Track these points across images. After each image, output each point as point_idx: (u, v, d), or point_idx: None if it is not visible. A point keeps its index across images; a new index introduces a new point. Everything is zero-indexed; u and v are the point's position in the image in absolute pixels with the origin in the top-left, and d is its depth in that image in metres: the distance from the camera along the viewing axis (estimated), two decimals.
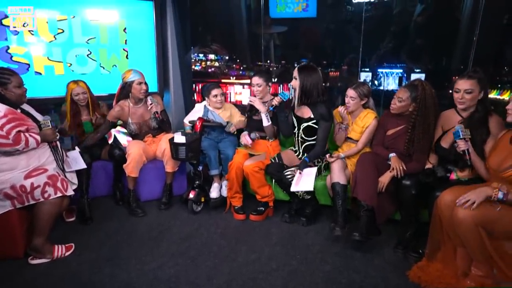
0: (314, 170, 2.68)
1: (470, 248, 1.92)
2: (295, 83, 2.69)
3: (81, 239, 2.60)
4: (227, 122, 3.11)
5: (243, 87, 5.14)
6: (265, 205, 2.95)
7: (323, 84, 2.73)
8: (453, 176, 2.36)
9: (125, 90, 3.03)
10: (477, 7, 3.50)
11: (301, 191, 2.72)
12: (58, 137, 2.48)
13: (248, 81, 5.18)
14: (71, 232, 2.69)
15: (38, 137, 2.32)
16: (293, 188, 2.61)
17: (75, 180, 2.60)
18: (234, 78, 5.32)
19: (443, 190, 2.12)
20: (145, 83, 3.05)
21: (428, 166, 2.47)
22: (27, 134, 2.26)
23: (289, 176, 2.69)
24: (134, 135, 3.18)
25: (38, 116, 2.47)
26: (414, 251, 2.37)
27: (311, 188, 2.57)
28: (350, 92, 2.77)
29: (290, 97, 2.82)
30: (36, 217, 2.29)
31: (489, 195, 1.88)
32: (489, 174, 2.11)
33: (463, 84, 2.25)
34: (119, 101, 3.11)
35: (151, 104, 3.06)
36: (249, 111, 3.17)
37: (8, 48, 3.16)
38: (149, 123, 3.13)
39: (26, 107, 2.46)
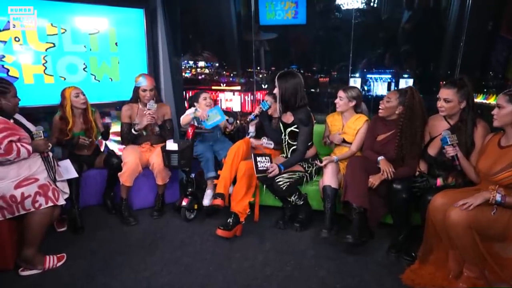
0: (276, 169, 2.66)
1: (463, 250, 1.95)
2: (276, 91, 2.72)
3: (73, 249, 2.56)
4: (233, 114, 3.21)
5: (233, 94, 5.16)
6: (235, 220, 2.70)
7: (304, 89, 2.76)
8: (439, 182, 2.38)
9: (134, 93, 3.17)
10: (463, 14, 3.59)
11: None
12: (50, 148, 2.45)
13: (238, 87, 5.21)
14: (62, 242, 2.65)
15: (30, 148, 2.30)
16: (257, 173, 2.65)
17: (67, 190, 2.57)
18: (225, 85, 5.34)
19: (435, 193, 2.15)
20: (151, 90, 3.11)
21: (419, 171, 2.50)
22: (18, 144, 2.24)
23: (280, 183, 2.70)
24: (136, 135, 3.17)
25: (30, 126, 2.45)
26: (407, 254, 2.39)
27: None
28: (340, 93, 2.88)
29: (271, 106, 2.91)
30: (27, 228, 2.25)
31: (487, 198, 1.90)
32: (479, 178, 2.15)
33: (442, 93, 2.31)
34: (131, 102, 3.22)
35: (148, 109, 3.04)
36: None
37: (3, 57, 3.14)
38: (153, 128, 3.20)
39: (18, 117, 2.44)
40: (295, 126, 2.77)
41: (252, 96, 5.09)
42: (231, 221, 2.67)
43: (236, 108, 5.14)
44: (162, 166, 3.00)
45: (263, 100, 2.89)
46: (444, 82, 2.46)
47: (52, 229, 2.77)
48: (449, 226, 1.95)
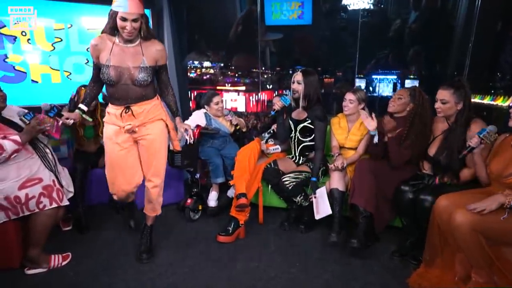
0: (323, 189, 2.66)
1: (470, 254, 1.92)
2: (299, 87, 2.74)
3: (78, 248, 2.57)
4: (229, 111, 3.17)
5: (238, 94, 5.16)
6: (236, 225, 2.71)
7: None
8: (437, 180, 2.41)
9: (111, 21, 2.10)
10: (472, 14, 3.55)
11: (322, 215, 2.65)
12: (46, 126, 2.23)
13: (242, 87, 5.21)
14: (67, 241, 2.66)
15: (16, 137, 2.16)
16: (317, 217, 2.62)
17: (71, 188, 2.58)
18: (229, 85, 5.34)
19: (428, 193, 2.22)
20: (134, 21, 2.05)
21: (423, 172, 2.50)
22: (1, 141, 2.13)
23: (286, 183, 2.69)
24: (110, 85, 2.20)
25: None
26: (414, 258, 2.36)
27: (330, 212, 2.56)
28: (350, 96, 2.83)
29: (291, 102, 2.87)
30: (31, 228, 2.25)
31: (502, 202, 1.87)
32: (489, 179, 2.12)
33: (439, 94, 2.35)
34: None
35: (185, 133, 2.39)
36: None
37: (6, 57, 3.14)
38: (133, 74, 2.16)
39: (8, 111, 2.31)
40: (309, 122, 2.79)
41: (256, 96, 5.09)
42: (230, 228, 2.69)
43: (241, 108, 5.14)
44: (158, 193, 2.44)
45: (283, 95, 2.86)
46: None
47: (57, 228, 2.77)
48: (454, 228, 1.93)
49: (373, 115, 2.52)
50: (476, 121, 2.30)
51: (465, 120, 2.30)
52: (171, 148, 2.80)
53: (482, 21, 3.50)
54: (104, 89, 2.35)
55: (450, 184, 2.34)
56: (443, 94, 2.32)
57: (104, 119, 2.34)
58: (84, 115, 2.29)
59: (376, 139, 2.52)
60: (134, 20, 2.05)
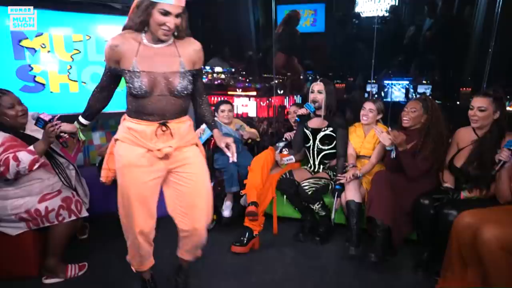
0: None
1: (494, 271, 1.88)
2: (319, 96, 2.76)
3: (94, 257, 2.58)
4: (240, 126, 3.19)
5: (249, 99, 5.17)
6: (250, 235, 2.71)
7: None
8: (462, 195, 2.36)
9: (141, 13, 1.61)
10: (492, 19, 3.49)
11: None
12: (58, 127, 2.01)
13: (254, 93, 5.22)
14: (84, 251, 2.67)
15: (30, 147, 2.08)
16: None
17: (87, 200, 2.58)
18: (241, 90, 5.35)
19: (452, 207, 2.15)
20: (177, 16, 1.60)
21: (446, 185, 2.46)
22: (14, 154, 2.05)
23: (306, 187, 2.68)
24: (138, 97, 1.69)
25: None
26: (437, 273, 2.28)
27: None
28: (370, 105, 2.82)
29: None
30: (50, 238, 2.28)
31: None
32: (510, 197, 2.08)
33: (476, 101, 2.28)
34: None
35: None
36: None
37: (32, 68, 3.16)
38: (171, 82, 1.69)
39: (33, 127, 2.22)
40: (331, 129, 2.80)
41: (268, 101, 5.10)
42: (245, 238, 2.68)
43: (252, 113, 5.14)
44: (204, 226, 2.00)
45: (307, 103, 2.86)
46: (466, 88, 2.45)
47: (73, 237, 2.77)
48: (480, 244, 1.88)
49: (389, 129, 2.48)
50: (510, 133, 2.24)
51: (500, 131, 2.24)
52: None
53: (500, 28, 3.45)
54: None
55: (477, 199, 2.28)
56: (481, 101, 2.26)
57: (117, 137, 1.80)
58: (80, 132, 1.98)
59: (393, 154, 2.48)
60: (177, 16, 1.61)
